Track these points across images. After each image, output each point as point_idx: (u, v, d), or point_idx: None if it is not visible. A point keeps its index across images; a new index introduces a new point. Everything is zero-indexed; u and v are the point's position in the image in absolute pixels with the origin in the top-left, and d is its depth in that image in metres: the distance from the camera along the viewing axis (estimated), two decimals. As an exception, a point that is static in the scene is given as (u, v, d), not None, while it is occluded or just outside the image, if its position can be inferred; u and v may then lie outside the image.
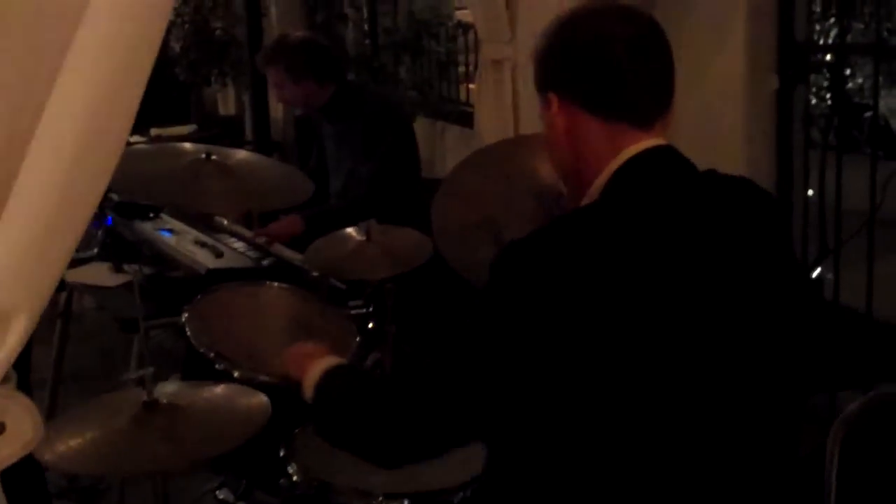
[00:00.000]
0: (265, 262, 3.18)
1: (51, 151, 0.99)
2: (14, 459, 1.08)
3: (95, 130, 1.00)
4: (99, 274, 3.40)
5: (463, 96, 5.46)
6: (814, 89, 3.32)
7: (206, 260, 3.12)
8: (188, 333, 2.25)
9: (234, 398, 2.05)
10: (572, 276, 1.34)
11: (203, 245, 3.28)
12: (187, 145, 2.84)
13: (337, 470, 2.05)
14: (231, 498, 2.53)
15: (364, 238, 2.65)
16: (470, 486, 2.00)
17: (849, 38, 3.19)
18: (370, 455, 1.53)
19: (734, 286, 1.42)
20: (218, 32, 7.08)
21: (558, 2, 3.44)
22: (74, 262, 3.34)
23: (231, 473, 2.56)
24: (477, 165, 2.40)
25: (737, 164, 3.17)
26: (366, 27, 6.32)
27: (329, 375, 1.63)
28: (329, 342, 2.41)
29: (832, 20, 3.21)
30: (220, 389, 2.08)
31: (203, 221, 3.56)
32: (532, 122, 1.62)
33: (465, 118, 4.94)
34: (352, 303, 2.72)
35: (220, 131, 7.02)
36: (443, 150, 5.42)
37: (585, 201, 1.50)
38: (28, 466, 1.29)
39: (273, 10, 6.84)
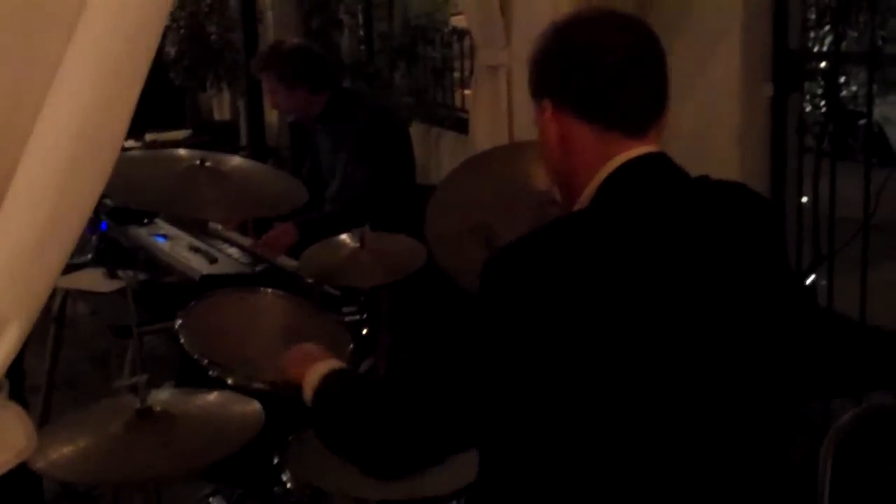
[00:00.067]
0: (259, 269, 3.17)
1: (45, 157, 0.99)
2: (6, 469, 1.07)
3: (90, 136, 1.00)
4: (93, 279, 3.39)
5: (458, 102, 5.46)
6: (808, 97, 3.33)
7: (200, 266, 3.11)
8: (182, 340, 2.25)
9: (227, 405, 2.04)
10: (561, 281, 1.34)
11: (197, 251, 3.27)
12: (182, 151, 2.84)
13: (331, 477, 2.05)
14: (225, 505, 2.53)
15: (358, 245, 2.65)
16: (464, 493, 2.00)
17: (843, 45, 3.19)
18: (367, 465, 1.52)
19: (725, 291, 1.42)
20: (213, 37, 7.07)
21: (553, 8, 3.45)
22: (68, 268, 3.31)
23: (225, 481, 2.55)
24: (471, 171, 2.41)
25: (731, 170, 3.17)
26: (361, 33, 6.32)
27: (328, 381, 1.63)
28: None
29: (827, 28, 3.21)
30: (213, 397, 2.08)
31: (198, 227, 3.55)
32: (527, 128, 1.62)
33: (460, 124, 4.94)
34: (346, 309, 2.72)
35: (216, 136, 7.01)
36: (438, 156, 5.42)
37: (577, 207, 1.50)
38: (23, 473, 1.28)
39: (269, 16, 6.84)
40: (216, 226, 3.63)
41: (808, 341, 1.56)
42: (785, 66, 3.18)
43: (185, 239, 3.43)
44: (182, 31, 7.07)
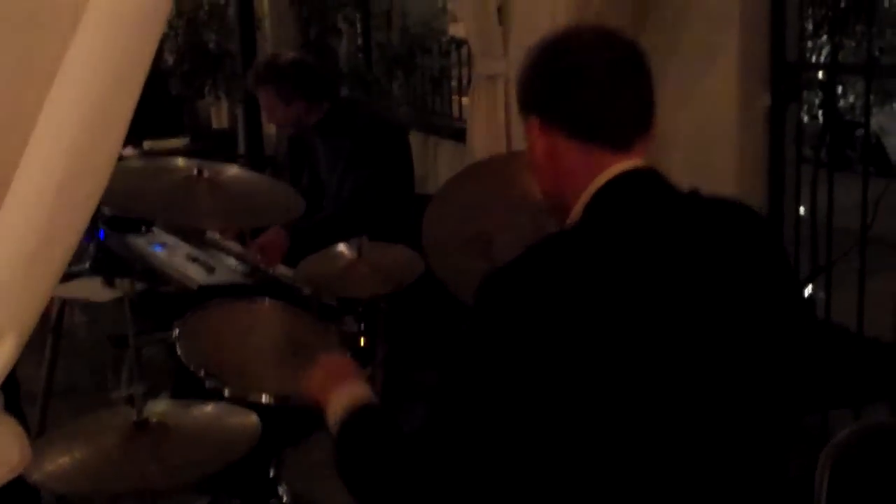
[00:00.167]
0: (257, 279, 3.17)
1: (41, 167, 0.98)
2: (0, 483, 1.07)
3: (87, 145, 0.99)
4: (90, 289, 3.39)
5: (456, 111, 5.47)
6: (806, 107, 3.33)
7: (197, 275, 3.11)
8: (179, 351, 2.24)
9: (223, 417, 2.04)
10: (561, 304, 1.34)
11: (195, 260, 3.27)
12: (179, 160, 2.84)
13: (326, 490, 2.04)
14: (221, 517, 2.53)
15: (356, 255, 2.65)
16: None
17: (840, 56, 3.19)
18: None
19: (721, 303, 1.42)
20: (211, 45, 7.08)
21: (551, 17, 3.46)
22: (66, 277, 3.33)
23: (220, 493, 2.55)
24: (468, 180, 2.40)
25: (729, 180, 3.18)
26: (359, 42, 6.33)
27: (356, 417, 1.57)
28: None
29: (824, 39, 3.22)
30: (209, 408, 2.08)
31: (195, 236, 3.55)
32: (524, 137, 1.63)
33: (457, 133, 4.94)
34: (343, 320, 2.71)
35: (213, 145, 7.01)
36: (435, 165, 5.42)
37: (569, 222, 1.50)
38: (20, 486, 1.28)
39: (267, 24, 6.84)
40: (214, 235, 3.62)
41: (807, 356, 1.55)
42: (782, 77, 3.18)
43: (183, 248, 3.43)
44: (180, 39, 7.08)
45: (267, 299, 2.60)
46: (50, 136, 0.97)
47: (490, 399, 1.35)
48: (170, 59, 7.09)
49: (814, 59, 3.41)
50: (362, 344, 2.64)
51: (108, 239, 3.59)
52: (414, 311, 3.14)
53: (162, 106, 7.21)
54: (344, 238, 2.72)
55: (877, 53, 3.34)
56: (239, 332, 2.45)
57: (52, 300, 3.42)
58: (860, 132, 5.44)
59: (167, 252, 3.40)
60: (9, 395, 1.10)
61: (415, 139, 5.08)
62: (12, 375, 1.07)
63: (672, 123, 3.25)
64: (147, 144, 6.62)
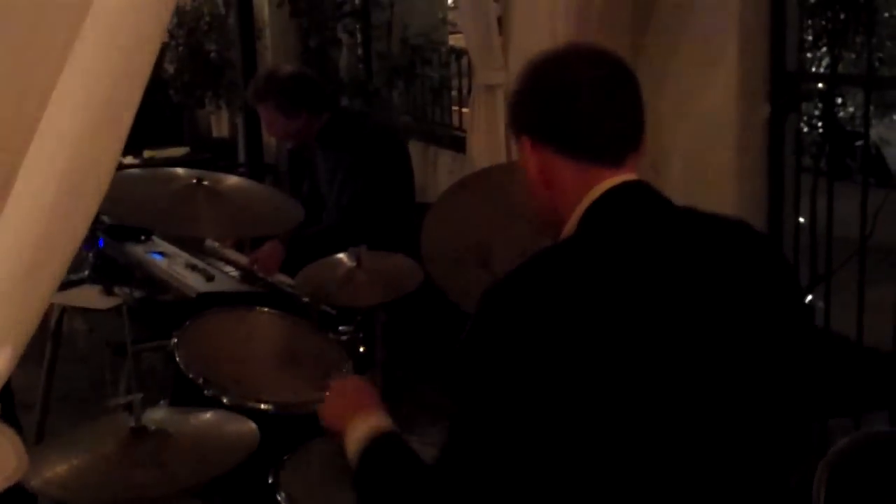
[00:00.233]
0: (256, 287, 3.17)
1: (40, 176, 0.98)
2: (-2, 491, 1.07)
3: (86, 154, 0.99)
4: (90, 296, 3.39)
5: (456, 121, 5.47)
6: (805, 118, 3.33)
7: (196, 283, 3.11)
8: (177, 359, 2.24)
9: (222, 425, 2.04)
10: (559, 318, 1.34)
11: (194, 268, 3.27)
12: (179, 170, 2.85)
13: (325, 498, 2.04)
14: (219, 525, 2.52)
15: (355, 264, 2.65)
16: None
17: (840, 67, 3.20)
18: None
19: (716, 314, 1.42)
20: (212, 55, 7.10)
21: (551, 29, 3.47)
22: (65, 285, 3.33)
23: (219, 501, 2.54)
24: (468, 190, 2.41)
25: (729, 191, 3.18)
26: (360, 52, 6.33)
27: (378, 445, 1.57)
28: (319, 368, 2.41)
29: (823, 50, 3.22)
30: (208, 416, 2.07)
31: (195, 245, 3.55)
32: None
33: (457, 143, 4.95)
34: (342, 328, 2.71)
35: (214, 154, 7.02)
36: (435, 174, 5.43)
37: (563, 237, 1.51)
38: (19, 492, 1.28)
39: (267, 34, 6.85)
40: (213, 244, 3.62)
41: (806, 365, 1.55)
42: (782, 88, 3.18)
43: (182, 257, 3.43)
44: (181, 48, 7.10)
45: (266, 308, 2.60)
46: (49, 145, 0.97)
47: (502, 420, 1.35)
48: (170, 68, 7.11)
49: (813, 69, 3.41)
50: (361, 352, 2.63)
51: (107, 247, 3.59)
52: (413, 320, 3.14)
53: (162, 115, 7.22)
54: (343, 247, 2.72)
55: (876, 64, 3.34)
56: (237, 340, 2.45)
57: (51, 307, 3.43)
58: (860, 142, 5.43)
59: (166, 260, 3.40)
60: (4, 404, 1.10)
61: (415, 149, 5.09)
62: (7, 385, 1.07)
63: (672, 133, 3.25)
64: (147, 153, 6.62)
